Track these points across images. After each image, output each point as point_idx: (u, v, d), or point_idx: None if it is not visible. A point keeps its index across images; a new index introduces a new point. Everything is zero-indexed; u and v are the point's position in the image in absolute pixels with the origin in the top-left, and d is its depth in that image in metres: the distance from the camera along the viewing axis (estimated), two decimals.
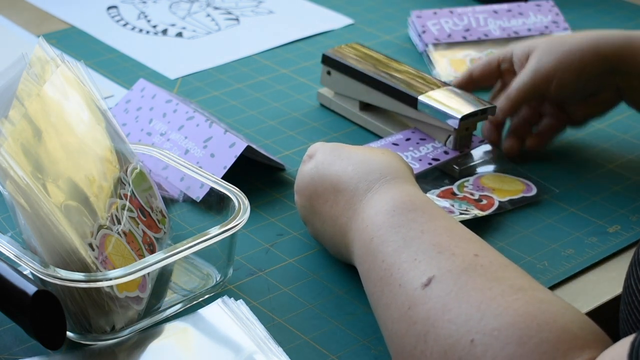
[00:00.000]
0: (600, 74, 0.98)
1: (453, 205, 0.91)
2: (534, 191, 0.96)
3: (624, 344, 0.59)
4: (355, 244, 0.79)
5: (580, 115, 1.02)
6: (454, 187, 0.95)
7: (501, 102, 1.00)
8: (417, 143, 0.99)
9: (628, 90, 1.00)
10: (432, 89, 1.00)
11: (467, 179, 0.97)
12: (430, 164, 0.96)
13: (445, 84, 1.02)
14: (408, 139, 0.99)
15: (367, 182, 0.81)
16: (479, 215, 0.91)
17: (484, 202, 0.93)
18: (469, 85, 1.04)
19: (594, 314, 0.83)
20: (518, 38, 1.20)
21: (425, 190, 0.93)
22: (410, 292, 0.70)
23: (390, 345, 0.72)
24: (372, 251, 0.75)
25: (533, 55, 0.99)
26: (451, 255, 0.71)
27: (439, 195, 0.93)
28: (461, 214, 0.89)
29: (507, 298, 0.66)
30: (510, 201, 0.94)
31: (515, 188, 0.96)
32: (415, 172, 0.90)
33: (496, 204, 0.93)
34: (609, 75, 0.99)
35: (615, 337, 0.65)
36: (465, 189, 0.95)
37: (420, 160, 0.97)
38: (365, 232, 0.77)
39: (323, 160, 0.85)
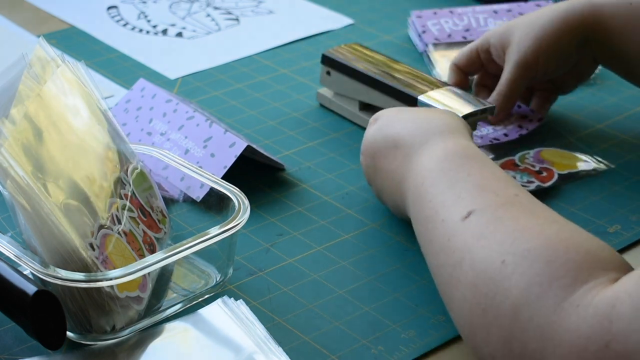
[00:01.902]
0: (576, 47, 1.02)
1: (515, 177, 0.95)
2: (591, 165, 0.99)
3: None
4: (409, 190, 0.82)
5: (567, 85, 1.07)
6: (516, 159, 0.99)
7: (497, 101, 1.02)
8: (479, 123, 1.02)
9: (603, 57, 1.03)
10: (432, 89, 1.00)
11: (527, 151, 1.00)
12: (491, 141, 1.01)
13: (445, 84, 1.02)
14: None
15: (424, 136, 0.84)
16: (542, 187, 0.94)
17: (544, 174, 0.96)
18: (461, 77, 1.07)
19: None
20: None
21: None
22: (450, 225, 0.75)
23: (434, 278, 0.76)
24: (422, 193, 0.79)
25: (512, 46, 1.02)
26: (493, 193, 0.75)
27: (500, 166, 0.95)
28: (523, 185, 0.94)
29: (540, 227, 0.70)
30: (570, 174, 0.97)
31: (573, 162, 0.99)
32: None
33: (555, 177, 0.96)
34: (583, 47, 1.02)
35: None
36: (526, 161, 0.98)
37: (481, 138, 1.01)
38: (417, 178, 0.81)
39: (386, 121, 0.89)
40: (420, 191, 0.80)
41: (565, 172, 0.97)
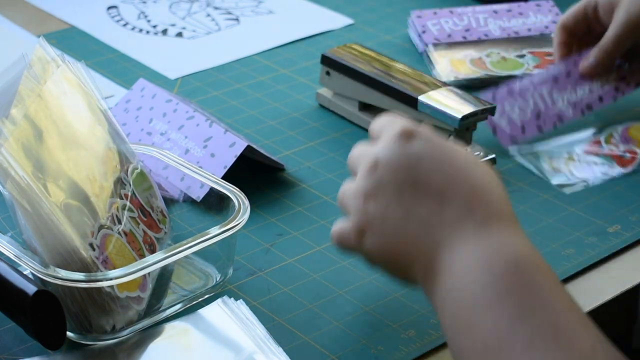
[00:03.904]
0: None
1: (596, 164, 0.95)
2: None
3: None
4: (442, 285, 0.67)
5: None
6: (602, 138, 0.98)
7: (597, 55, 1.03)
8: (576, 82, 1.01)
9: None
10: (432, 89, 1.00)
11: (615, 127, 1.00)
12: (583, 112, 1.00)
13: (445, 84, 1.02)
14: (569, 74, 1.00)
15: (478, 211, 0.68)
16: (617, 175, 0.95)
17: (628, 156, 0.95)
18: (567, 37, 1.07)
19: (594, 314, 0.83)
20: (518, 38, 1.20)
21: (573, 143, 0.98)
22: None
23: None
24: (471, 313, 0.64)
25: (620, 5, 1.02)
26: (568, 346, 0.62)
27: (586, 152, 0.94)
28: (602, 174, 0.94)
29: None
30: None
31: None
32: (566, 120, 0.96)
33: (638, 160, 0.96)
34: None
35: (615, 335, 0.65)
36: (612, 140, 0.98)
37: (574, 106, 1.00)
38: (464, 283, 0.65)
39: (435, 152, 0.71)
40: (467, 302, 0.65)
41: None
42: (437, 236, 0.68)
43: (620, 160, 0.94)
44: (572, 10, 1.07)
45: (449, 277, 0.67)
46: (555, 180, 0.96)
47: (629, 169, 0.94)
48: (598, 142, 0.97)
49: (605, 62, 1.03)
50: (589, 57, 1.04)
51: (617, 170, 0.94)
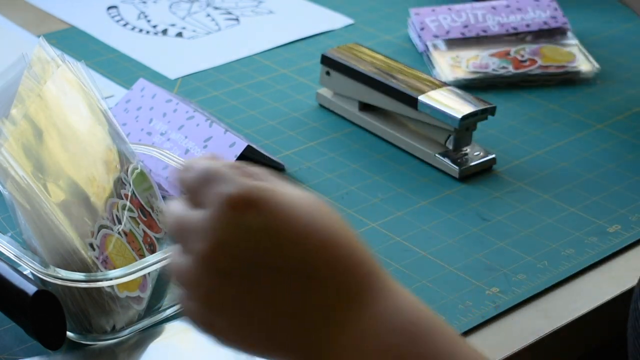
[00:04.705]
0: None
1: (493, 63, 0.98)
2: (576, 63, 1.01)
3: None
4: None
5: None
6: (512, 49, 1.01)
7: None
8: (511, 12, 1.03)
9: None
10: (432, 89, 1.00)
11: (530, 45, 1.02)
12: (508, 31, 1.03)
13: (445, 84, 1.02)
14: (508, 6, 1.01)
15: (351, 283, 0.57)
16: (510, 72, 0.97)
17: (527, 63, 0.97)
18: None
19: (594, 314, 0.83)
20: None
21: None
22: None
23: None
24: None
25: None
26: None
27: (491, 55, 0.97)
28: (494, 71, 0.97)
29: None
30: (548, 69, 0.99)
31: (565, 58, 1.00)
32: (490, 33, 0.99)
33: (536, 66, 0.98)
34: None
35: (615, 336, 0.65)
36: (521, 52, 1.01)
37: (501, 25, 1.04)
38: (375, 357, 0.56)
39: (278, 221, 0.57)
40: None
41: (548, 64, 0.94)
42: (312, 324, 0.56)
43: (516, 62, 0.95)
44: None
45: (363, 340, 0.56)
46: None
47: (520, 70, 0.95)
48: (507, 51, 0.98)
49: None
50: None
51: (509, 70, 0.95)
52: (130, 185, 0.83)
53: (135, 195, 0.83)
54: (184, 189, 0.60)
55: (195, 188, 0.59)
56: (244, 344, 0.59)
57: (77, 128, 0.80)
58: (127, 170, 0.83)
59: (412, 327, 0.56)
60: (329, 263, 0.57)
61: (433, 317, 0.57)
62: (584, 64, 1.14)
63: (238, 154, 0.93)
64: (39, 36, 0.93)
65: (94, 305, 0.75)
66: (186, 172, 0.60)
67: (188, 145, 0.96)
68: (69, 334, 0.76)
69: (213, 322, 0.59)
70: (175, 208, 0.60)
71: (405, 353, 0.55)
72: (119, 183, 0.81)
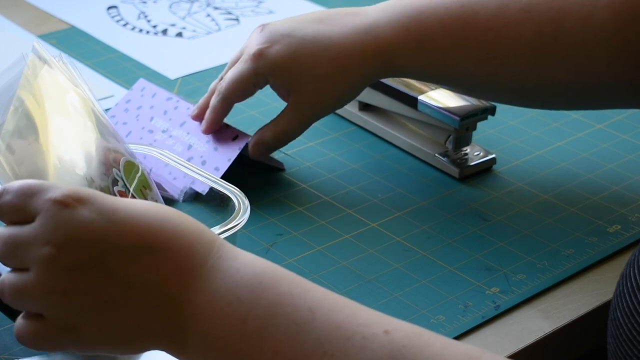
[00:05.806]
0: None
1: None
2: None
3: None
4: (205, 324, 0.60)
5: None
6: None
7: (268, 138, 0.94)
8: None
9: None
10: (432, 89, 1.00)
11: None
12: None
13: None
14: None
15: (196, 254, 0.62)
16: None
17: None
18: (227, 109, 0.96)
19: (593, 314, 0.83)
20: None
21: None
22: None
23: None
24: (250, 338, 0.59)
25: (293, 98, 0.94)
26: (362, 339, 0.58)
27: None
28: None
29: None
30: None
31: None
32: None
33: None
34: None
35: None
36: None
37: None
38: (230, 311, 0.60)
39: (105, 211, 0.62)
40: (243, 333, 0.59)
41: None
42: (167, 291, 0.60)
43: None
44: (240, 87, 0.94)
45: (202, 327, 0.60)
46: None
47: None
48: None
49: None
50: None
51: None
52: (122, 180, 0.82)
53: (134, 196, 0.82)
54: (4, 212, 0.63)
55: (19, 205, 0.62)
56: (113, 340, 0.61)
57: (73, 129, 0.80)
58: (120, 165, 0.83)
59: (256, 278, 0.61)
60: (173, 233, 0.62)
61: (276, 268, 0.62)
62: None
63: (242, 146, 0.93)
64: (39, 36, 0.93)
65: None
66: (2, 197, 0.63)
67: (191, 141, 0.96)
68: None
69: (79, 321, 0.61)
70: (1, 231, 0.62)
71: (252, 300, 0.60)
72: (117, 183, 0.81)
